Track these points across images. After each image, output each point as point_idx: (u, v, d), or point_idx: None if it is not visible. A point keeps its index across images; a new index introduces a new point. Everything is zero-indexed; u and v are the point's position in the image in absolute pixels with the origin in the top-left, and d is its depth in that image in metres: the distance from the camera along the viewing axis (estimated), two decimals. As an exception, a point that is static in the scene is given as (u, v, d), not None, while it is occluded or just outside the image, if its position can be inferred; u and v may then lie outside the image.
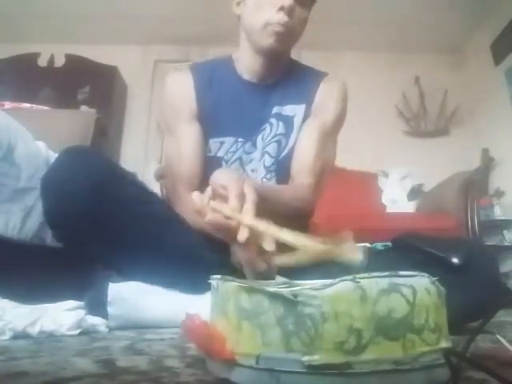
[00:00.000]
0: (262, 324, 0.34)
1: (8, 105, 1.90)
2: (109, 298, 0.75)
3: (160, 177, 1.94)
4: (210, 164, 1.00)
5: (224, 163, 1.02)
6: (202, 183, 0.98)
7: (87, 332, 0.66)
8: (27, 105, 2.03)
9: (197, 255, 0.87)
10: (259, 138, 1.03)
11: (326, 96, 1.06)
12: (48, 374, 0.39)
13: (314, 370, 0.32)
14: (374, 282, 0.34)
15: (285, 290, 0.34)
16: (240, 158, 1.03)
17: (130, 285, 0.78)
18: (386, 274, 0.35)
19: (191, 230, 0.90)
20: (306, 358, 0.32)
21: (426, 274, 0.36)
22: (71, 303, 0.68)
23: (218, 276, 0.40)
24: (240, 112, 1.02)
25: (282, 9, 0.92)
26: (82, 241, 0.78)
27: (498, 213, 2.89)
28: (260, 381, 0.34)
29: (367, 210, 2.74)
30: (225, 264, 0.80)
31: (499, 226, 2.91)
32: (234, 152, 1.02)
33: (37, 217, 1.23)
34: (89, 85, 3.50)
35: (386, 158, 3.26)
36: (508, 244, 2.90)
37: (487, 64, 3.25)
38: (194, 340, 0.38)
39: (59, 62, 3.56)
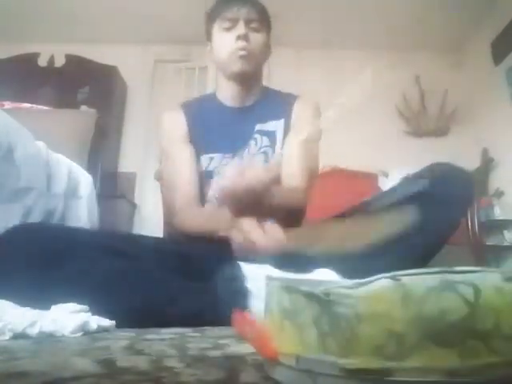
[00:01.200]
0: (300, 324, 0.33)
1: (8, 105, 1.90)
2: (246, 275, 0.70)
3: (160, 177, 1.94)
4: (203, 178, 1.14)
5: (215, 176, 1.14)
6: (199, 196, 1.13)
7: (88, 332, 0.66)
8: (27, 105, 2.03)
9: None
10: (245, 152, 1.16)
11: (301, 112, 1.20)
12: (48, 374, 0.39)
13: (351, 374, 0.30)
14: (420, 280, 0.30)
15: (317, 289, 0.32)
16: None
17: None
18: (437, 269, 0.30)
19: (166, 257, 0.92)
20: (342, 361, 0.30)
21: (496, 270, 0.31)
22: (73, 306, 0.67)
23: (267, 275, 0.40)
24: (225, 132, 1.17)
25: (238, 37, 1.11)
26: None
27: (498, 213, 2.90)
28: (299, 381, 0.33)
29: (367, 210, 2.74)
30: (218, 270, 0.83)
31: (499, 225, 2.91)
32: (224, 165, 1.14)
33: (37, 217, 1.24)
34: (89, 85, 3.51)
35: (386, 158, 3.26)
36: (508, 244, 2.90)
37: (487, 64, 3.26)
38: (244, 337, 0.38)
39: (59, 62, 3.57)
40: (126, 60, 3.65)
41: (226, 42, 1.14)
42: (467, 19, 3.28)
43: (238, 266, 0.72)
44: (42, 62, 3.57)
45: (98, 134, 1.86)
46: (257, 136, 1.18)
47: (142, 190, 3.59)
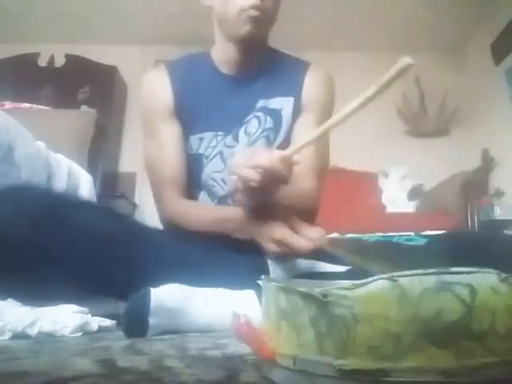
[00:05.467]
0: (297, 324, 0.33)
1: (8, 105, 1.90)
2: (151, 307, 0.64)
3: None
4: (192, 162, 1.00)
5: (204, 159, 1.00)
6: (187, 183, 0.99)
7: (88, 332, 0.66)
8: (27, 105, 2.03)
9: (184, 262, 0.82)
10: (241, 131, 1.00)
11: (314, 89, 1.03)
12: (48, 373, 0.39)
13: (347, 374, 0.30)
14: (417, 281, 0.29)
15: (315, 290, 0.32)
16: (221, 153, 1.00)
17: (171, 289, 0.68)
18: (433, 270, 0.30)
19: (165, 237, 0.88)
20: (338, 362, 0.30)
21: (492, 270, 0.30)
22: (73, 307, 0.67)
23: (263, 276, 0.40)
24: (218, 106, 1.00)
25: None
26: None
27: (498, 213, 2.89)
28: (296, 382, 0.33)
29: (367, 210, 2.74)
30: (215, 263, 0.80)
31: (499, 226, 2.91)
32: (214, 147, 1.00)
33: (37, 217, 1.23)
34: (89, 85, 3.51)
35: (386, 158, 3.26)
36: (508, 244, 2.89)
37: (487, 64, 3.25)
38: (241, 339, 0.38)
39: (59, 62, 3.56)
40: (126, 60, 3.64)
41: None
42: (467, 19, 3.28)
43: (147, 296, 0.65)
44: (42, 62, 3.56)
45: (98, 134, 1.86)
46: (260, 114, 1.00)
47: (142, 190, 3.59)
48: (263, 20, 0.93)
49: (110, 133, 3.03)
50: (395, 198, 3.01)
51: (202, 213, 0.94)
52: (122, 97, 3.69)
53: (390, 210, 2.96)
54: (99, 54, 3.52)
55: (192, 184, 1.00)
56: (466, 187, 2.19)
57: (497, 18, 3.12)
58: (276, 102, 1.01)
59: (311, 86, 1.03)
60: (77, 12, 3.34)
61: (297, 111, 1.02)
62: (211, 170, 0.99)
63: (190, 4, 3.26)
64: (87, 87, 3.51)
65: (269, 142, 1.00)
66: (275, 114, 1.01)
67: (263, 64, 1.03)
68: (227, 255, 0.82)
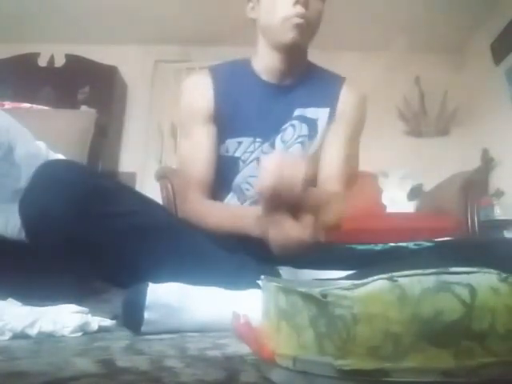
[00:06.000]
0: (297, 325, 0.33)
1: (8, 105, 1.90)
2: (147, 302, 0.65)
3: (160, 177, 1.94)
4: (227, 164, 1.02)
5: (241, 163, 1.02)
6: (216, 185, 1.02)
7: (88, 332, 0.66)
8: (27, 105, 2.03)
9: (209, 259, 0.83)
10: (278, 138, 1.03)
11: (348, 102, 1.07)
12: (48, 373, 0.39)
13: (347, 375, 0.30)
14: (416, 281, 0.30)
15: (314, 290, 0.32)
16: (258, 159, 1.02)
17: (170, 287, 0.69)
18: (432, 270, 0.30)
19: (199, 232, 0.89)
20: (338, 362, 0.30)
21: (492, 270, 0.30)
22: (73, 307, 0.67)
23: (263, 276, 0.40)
24: (258, 112, 1.03)
25: (297, 2, 0.94)
26: (69, 259, 0.76)
27: (498, 213, 2.89)
28: (296, 383, 0.33)
29: (367, 210, 2.74)
30: (240, 262, 0.81)
31: (499, 226, 2.91)
32: (252, 152, 1.02)
33: (37, 217, 1.23)
34: (89, 85, 3.50)
35: (386, 158, 3.26)
36: (508, 244, 2.89)
37: (487, 64, 3.25)
38: (241, 339, 0.39)
39: (59, 62, 3.56)
40: (126, 60, 3.64)
41: (281, 6, 0.95)
42: (467, 20, 3.28)
43: (144, 290, 0.66)
44: (42, 62, 3.56)
45: (98, 134, 1.85)
46: (296, 122, 1.03)
47: (142, 190, 3.59)
48: (306, 28, 0.97)
49: (109, 133, 3.02)
50: (395, 198, 3.01)
51: (220, 211, 0.97)
52: (122, 97, 3.69)
53: (390, 209, 2.96)
54: (99, 54, 3.52)
55: (221, 185, 1.03)
56: (466, 187, 2.19)
57: (497, 18, 3.12)
58: (312, 112, 1.04)
59: (346, 99, 1.06)
60: (77, 12, 3.34)
61: (331, 122, 1.05)
62: (247, 175, 1.02)
63: (190, 4, 3.27)
64: (87, 87, 3.50)
65: (304, 149, 1.03)
66: (311, 123, 1.04)
67: (302, 74, 1.07)
68: (244, 258, 0.83)
